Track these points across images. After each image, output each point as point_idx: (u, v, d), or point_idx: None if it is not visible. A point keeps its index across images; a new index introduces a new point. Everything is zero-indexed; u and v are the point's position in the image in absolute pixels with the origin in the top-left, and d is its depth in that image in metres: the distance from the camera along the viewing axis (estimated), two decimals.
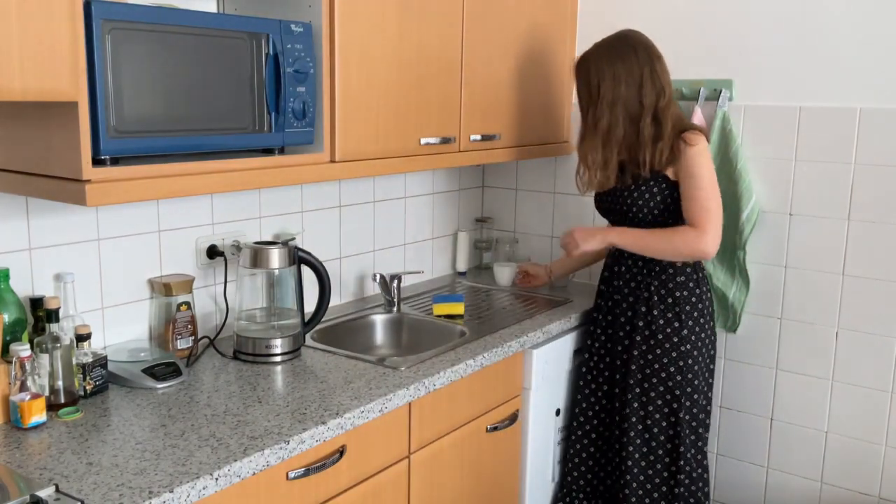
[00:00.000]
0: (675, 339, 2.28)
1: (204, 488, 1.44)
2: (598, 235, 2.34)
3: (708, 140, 2.54)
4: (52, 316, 1.72)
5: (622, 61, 2.19)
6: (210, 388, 1.88)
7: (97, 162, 1.52)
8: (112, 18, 1.50)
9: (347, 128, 2.01)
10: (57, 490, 1.37)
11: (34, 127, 1.56)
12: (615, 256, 2.41)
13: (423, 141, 2.25)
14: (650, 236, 2.26)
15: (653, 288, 2.30)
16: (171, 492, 1.39)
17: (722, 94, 2.52)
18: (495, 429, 2.27)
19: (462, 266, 3.10)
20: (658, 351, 2.30)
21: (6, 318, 1.70)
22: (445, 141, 2.33)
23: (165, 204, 2.08)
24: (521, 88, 2.62)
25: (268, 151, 1.89)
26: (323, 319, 2.27)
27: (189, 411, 1.73)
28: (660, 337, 2.29)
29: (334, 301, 2.51)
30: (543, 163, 2.98)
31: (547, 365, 2.41)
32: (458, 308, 2.54)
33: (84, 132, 1.47)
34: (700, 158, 2.18)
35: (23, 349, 1.64)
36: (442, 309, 2.53)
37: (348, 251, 2.65)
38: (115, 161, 1.57)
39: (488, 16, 2.43)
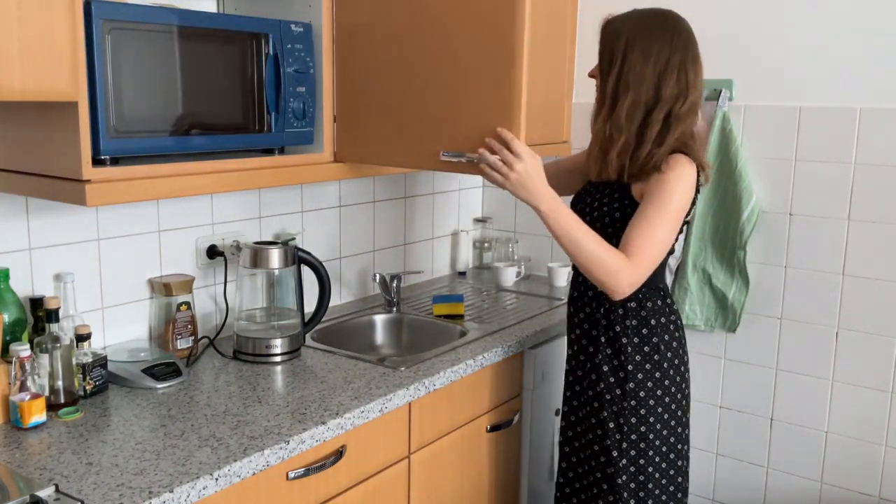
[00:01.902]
0: (618, 392, 1.94)
1: (204, 488, 1.44)
2: (538, 191, 1.77)
3: (704, 151, 2.37)
4: (52, 316, 1.72)
5: (657, 38, 1.84)
6: (210, 388, 1.88)
7: (97, 162, 1.52)
8: (112, 18, 1.50)
9: (347, 128, 2.00)
10: (57, 490, 1.37)
11: (34, 127, 1.56)
12: (574, 280, 2.07)
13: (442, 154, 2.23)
14: (587, 235, 1.80)
15: (600, 327, 1.97)
16: (171, 492, 1.39)
17: (722, 94, 2.52)
18: (495, 429, 2.27)
19: (462, 266, 3.10)
20: (596, 405, 1.98)
21: (6, 318, 1.70)
22: None
23: (165, 204, 2.08)
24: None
25: (268, 151, 1.89)
26: (323, 319, 2.27)
27: (189, 411, 1.73)
28: (600, 387, 1.96)
29: (334, 301, 2.51)
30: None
31: (547, 365, 2.41)
32: (458, 308, 2.54)
33: (84, 132, 1.47)
34: (677, 185, 1.81)
35: (23, 349, 1.64)
36: (442, 309, 2.53)
37: (348, 251, 2.65)
38: (115, 161, 1.57)
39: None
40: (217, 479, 1.46)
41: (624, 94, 1.84)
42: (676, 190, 1.82)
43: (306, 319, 2.19)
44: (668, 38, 1.85)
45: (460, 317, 2.52)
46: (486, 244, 3.15)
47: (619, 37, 1.87)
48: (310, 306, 2.21)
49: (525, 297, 2.80)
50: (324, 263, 2.21)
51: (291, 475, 1.65)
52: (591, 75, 1.98)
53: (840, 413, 2.48)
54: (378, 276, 2.57)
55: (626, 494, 1.96)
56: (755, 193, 2.51)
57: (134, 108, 1.57)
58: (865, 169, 2.36)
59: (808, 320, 2.51)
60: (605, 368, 1.96)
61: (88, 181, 1.49)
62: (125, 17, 1.53)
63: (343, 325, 2.44)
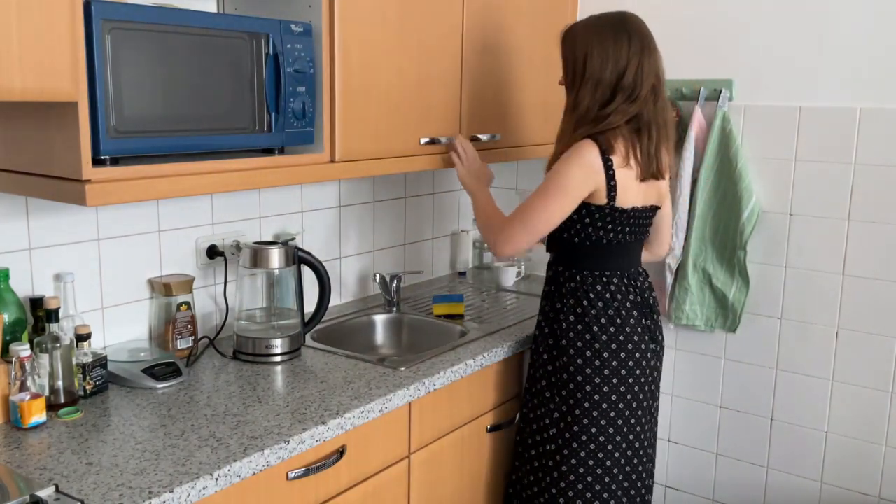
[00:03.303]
0: (557, 364, 2.08)
1: (204, 488, 1.44)
2: (475, 184, 2.26)
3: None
4: (52, 316, 1.72)
5: (614, 43, 1.95)
6: (210, 388, 1.88)
7: (97, 162, 1.52)
8: (112, 18, 1.50)
9: (347, 128, 2.01)
10: (57, 490, 1.37)
11: (34, 127, 1.56)
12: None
13: (422, 141, 2.25)
14: (489, 206, 2.20)
15: (548, 307, 2.13)
16: (171, 492, 1.39)
17: (722, 94, 2.52)
18: (495, 429, 2.27)
19: (462, 266, 3.10)
20: (538, 375, 2.14)
21: (6, 318, 1.70)
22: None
23: (165, 204, 2.08)
24: (520, 88, 2.62)
25: (268, 151, 1.88)
26: (323, 319, 2.27)
27: (189, 411, 1.73)
28: (543, 359, 2.12)
29: (334, 301, 2.51)
30: (543, 163, 2.97)
31: None
32: (458, 308, 2.54)
33: (84, 132, 1.47)
34: (565, 163, 1.97)
35: (23, 349, 1.64)
36: (442, 309, 2.53)
37: (348, 251, 2.65)
38: (115, 161, 1.57)
39: (489, 16, 2.43)
40: (217, 479, 1.46)
41: (583, 99, 1.99)
42: (563, 166, 1.97)
43: (306, 319, 2.19)
44: (626, 42, 1.96)
45: (460, 317, 2.52)
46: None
47: (578, 46, 2.01)
48: (310, 306, 2.21)
49: (525, 297, 2.80)
50: (324, 263, 2.21)
51: (291, 475, 1.65)
52: (560, 83, 2.11)
53: (840, 413, 2.48)
54: (378, 276, 2.57)
55: (550, 463, 2.09)
56: (755, 193, 2.51)
57: (134, 108, 1.57)
58: (865, 169, 2.36)
59: (807, 320, 2.51)
60: (550, 342, 2.10)
61: (88, 181, 1.49)
62: (125, 17, 1.53)
63: (343, 325, 2.44)
